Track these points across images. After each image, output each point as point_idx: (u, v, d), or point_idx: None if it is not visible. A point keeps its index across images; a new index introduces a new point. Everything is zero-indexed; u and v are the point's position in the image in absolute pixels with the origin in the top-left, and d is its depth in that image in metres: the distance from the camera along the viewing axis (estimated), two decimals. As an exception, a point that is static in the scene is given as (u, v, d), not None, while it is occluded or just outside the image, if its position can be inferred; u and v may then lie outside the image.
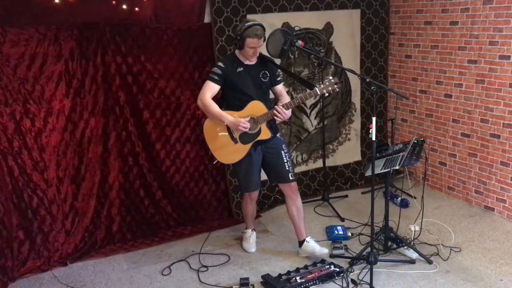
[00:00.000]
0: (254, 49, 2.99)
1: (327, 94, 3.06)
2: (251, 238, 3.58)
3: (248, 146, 3.13)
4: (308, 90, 3.09)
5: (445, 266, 3.20)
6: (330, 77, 3.04)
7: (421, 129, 4.61)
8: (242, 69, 3.08)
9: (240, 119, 3.01)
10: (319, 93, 3.03)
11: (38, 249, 3.42)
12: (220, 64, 3.06)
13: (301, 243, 3.40)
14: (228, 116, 3.02)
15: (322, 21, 4.26)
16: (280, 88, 3.26)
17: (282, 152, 3.27)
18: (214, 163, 3.20)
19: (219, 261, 3.43)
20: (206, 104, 3.01)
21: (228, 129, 3.10)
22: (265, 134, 3.13)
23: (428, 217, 3.89)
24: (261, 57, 3.12)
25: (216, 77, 3.03)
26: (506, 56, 3.66)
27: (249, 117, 3.07)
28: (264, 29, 2.97)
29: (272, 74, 3.18)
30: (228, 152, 3.15)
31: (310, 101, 4.36)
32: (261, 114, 3.07)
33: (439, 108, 4.36)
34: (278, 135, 3.29)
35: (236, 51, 3.10)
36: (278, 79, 3.23)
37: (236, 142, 3.12)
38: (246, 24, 2.94)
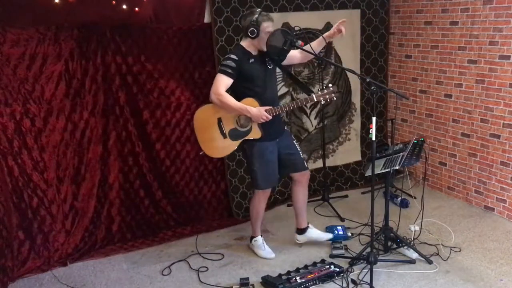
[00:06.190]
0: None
1: (323, 102, 3.03)
2: (264, 245, 3.46)
3: (237, 143, 3.12)
4: (305, 95, 3.09)
5: (445, 266, 3.20)
6: (330, 85, 3.02)
7: (421, 129, 4.61)
8: (253, 60, 3.06)
9: (262, 109, 2.97)
10: (315, 99, 3.01)
11: (38, 249, 3.42)
12: (233, 56, 2.98)
13: (304, 230, 3.49)
14: (251, 108, 2.98)
15: (322, 21, 4.26)
16: (292, 52, 3.17)
17: (294, 141, 3.32)
18: (200, 154, 3.18)
19: (219, 261, 3.44)
20: (223, 99, 2.95)
21: (219, 123, 3.08)
22: (255, 133, 3.09)
23: (428, 217, 3.88)
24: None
25: (230, 70, 2.96)
26: (506, 56, 3.66)
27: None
28: None
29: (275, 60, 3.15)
30: (216, 146, 3.13)
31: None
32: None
33: (439, 108, 4.36)
34: (286, 127, 3.36)
35: (244, 43, 3.08)
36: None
37: (225, 137, 3.10)
38: (257, 11, 3.01)
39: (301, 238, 3.54)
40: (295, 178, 3.40)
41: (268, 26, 2.98)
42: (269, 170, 3.21)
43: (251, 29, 2.95)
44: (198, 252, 3.54)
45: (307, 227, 3.51)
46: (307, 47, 3.00)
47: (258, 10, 3.02)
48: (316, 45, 3.14)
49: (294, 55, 3.26)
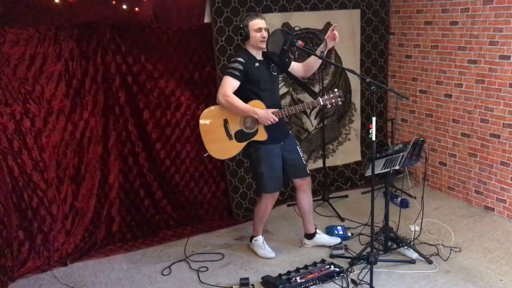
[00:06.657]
0: (261, 31, 2.99)
1: (329, 106, 3.08)
2: (265, 244, 3.49)
3: (242, 144, 3.12)
4: (311, 99, 3.12)
5: (445, 266, 3.20)
6: (336, 90, 3.07)
7: (421, 129, 4.61)
8: (258, 64, 3.07)
9: (269, 111, 3.00)
10: (322, 103, 3.06)
11: (38, 249, 3.42)
12: (240, 59, 2.99)
13: (312, 235, 3.50)
14: (258, 110, 2.99)
15: (322, 21, 4.26)
16: (296, 64, 3.27)
17: (297, 147, 3.32)
18: (204, 155, 3.19)
19: (219, 261, 3.44)
20: (231, 101, 2.95)
21: (225, 124, 3.08)
22: (261, 135, 3.10)
23: (428, 217, 3.89)
24: (266, 55, 3.13)
25: (237, 73, 2.96)
26: (506, 56, 3.66)
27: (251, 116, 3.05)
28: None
29: (279, 64, 3.18)
30: (221, 147, 3.12)
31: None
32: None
33: (439, 108, 4.36)
34: (290, 132, 3.37)
35: (247, 47, 3.09)
36: (288, 60, 3.22)
37: (231, 138, 3.10)
38: (243, 15, 3.06)
39: (308, 243, 3.55)
40: (296, 184, 3.40)
41: (256, 24, 2.98)
42: (276, 173, 3.22)
43: (239, 32, 3.01)
44: (186, 257, 3.49)
45: (315, 232, 3.52)
46: (313, 56, 3.06)
47: (245, 14, 3.06)
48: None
49: (298, 68, 3.29)
